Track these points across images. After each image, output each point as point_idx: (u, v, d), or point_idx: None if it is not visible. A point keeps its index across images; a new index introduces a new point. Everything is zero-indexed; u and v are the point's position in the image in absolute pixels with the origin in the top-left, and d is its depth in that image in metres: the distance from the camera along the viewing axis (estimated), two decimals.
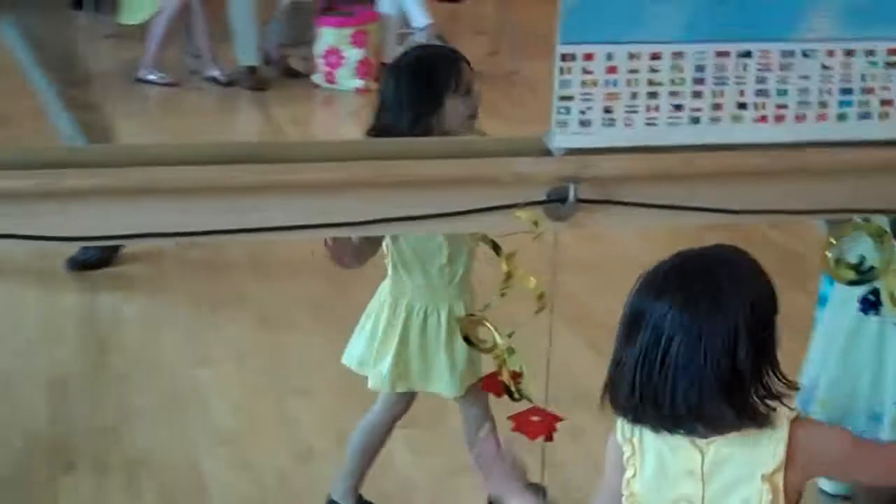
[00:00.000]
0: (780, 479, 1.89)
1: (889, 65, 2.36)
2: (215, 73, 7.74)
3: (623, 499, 2.03)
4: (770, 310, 1.92)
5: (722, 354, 1.87)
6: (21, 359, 4.28)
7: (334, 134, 7.28)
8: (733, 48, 2.32)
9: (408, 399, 3.23)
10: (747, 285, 1.91)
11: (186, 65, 7.96)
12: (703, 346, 1.88)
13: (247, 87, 7.69)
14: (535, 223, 2.27)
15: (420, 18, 7.82)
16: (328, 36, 7.70)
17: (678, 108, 2.34)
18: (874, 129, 2.39)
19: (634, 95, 2.32)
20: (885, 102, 2.38)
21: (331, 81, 7.73)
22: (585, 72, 2.29)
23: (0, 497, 3.50)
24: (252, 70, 7.74)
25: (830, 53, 2.33)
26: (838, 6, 2.30)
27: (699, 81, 2.33)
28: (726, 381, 1.87)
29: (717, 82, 2.33)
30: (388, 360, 3.11)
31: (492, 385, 2.55)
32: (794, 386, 1.94)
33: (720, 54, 2.32)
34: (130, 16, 7.93)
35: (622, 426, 2.04)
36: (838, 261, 2.53)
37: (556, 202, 2.31)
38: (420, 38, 7.90)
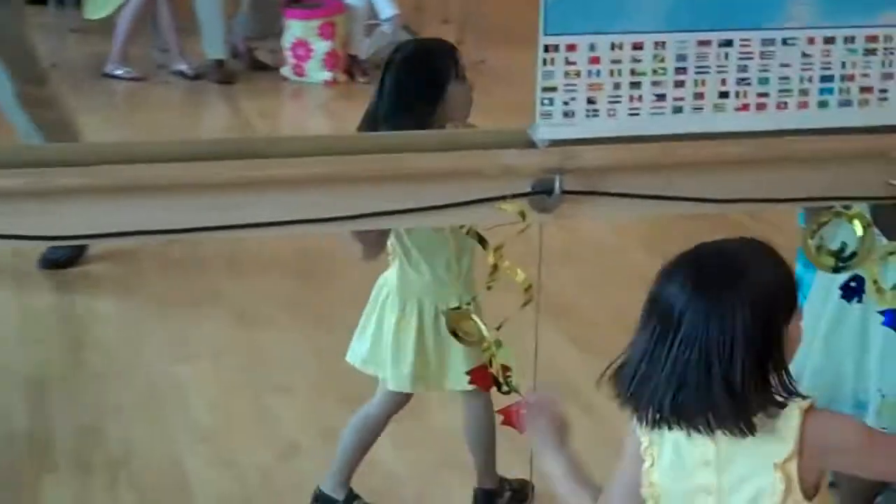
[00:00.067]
0: (793, 468, 1.90)
1: (868, 51, 2.37)
2: (182, 66, 7.70)
3: (642, 489, 2.03)
4: (780, 305, 1.90)
5: (729, 346, 1.87)
6: None
7: (304, 127, 7.25)
8: (714, 37, 2.33)
9: (407, 395, 3.23)
10: (759, 279, 1.91)
11: (153, 59, 7.91)
12: (711, 336, 1.88)
13: (214, 81, 7.65)
14: (522, 215, 2.27)
15: (386, 9, 7.80)
16: (296, 28, 7.67)
17: (661, 97, 2.35)
18: (854, 116, 2.40)
19: (617, 86, 2.33)
20: (864, 89, 2.40)
21: (299, 74, 7.70)
22: (568, 63, 2.30)
23: None
24: (219, 63, 7.70)
25: (811, 41, 2.35)
26: None
27: (681, 71, 2.34)
28: (731, 372, 1.87)
29: (698, 71, 2.34)
30: (409, 361, 3.10)
31: (480, 378, 2.55)
32: (794, 390, 1.93)
33: (701, 43, 2.33)
34: (95, 10, 7.85)
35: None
36: (819, 248, 2.54)
37: (542, 194, 2.31)
38: (386, 29, 7.89)
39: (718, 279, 1.91)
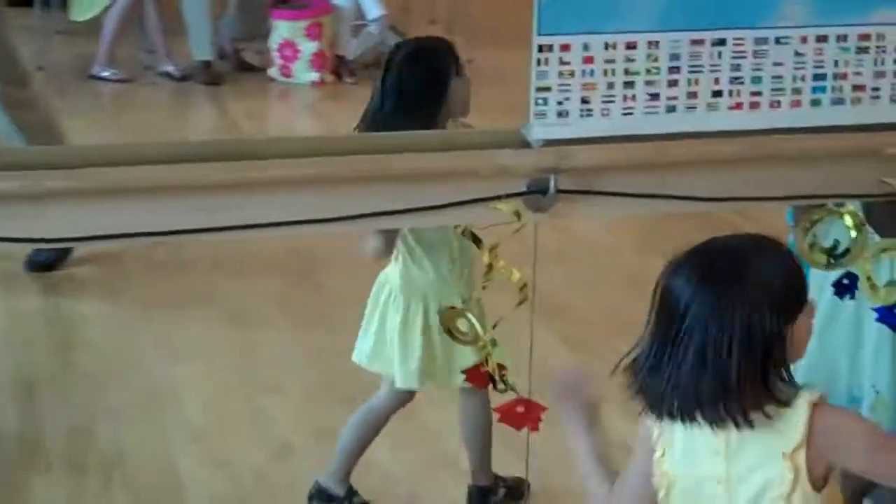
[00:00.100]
0: (801, 459, 1.91)
1: (860, 50, 2.39)
2: (169, 68, 7.69)
3: (654, 478, 2.05)
4: (786, 304, 1.91)
5: (727, 343, 1.88)
6: None
7: (291, 128, 7.26)
8: (707, 36, 2.34)
9: (412, 392, 3.25)
10: (765, 277, 1.92)
11: (140, 60, 7.90)
12: (710, 332, 1.90)
13: (201, 82, 7.65)
14: (517, 214, 2.28)
15: (374, 9, 7.80)
16: (282, 29, 7.67)
17: (654, 97, 2.36)
18: (847, 115, 2.42)
19: (611, 85, 2.34)
20: (857, 88, 2.41)
21: (286, 75, 7.70)
22: (562, 63, 2.30)
23: None
24: (206, 65, 7.69)
25: (803, 40, 2.36)
26: None
27: (674, 70, 2.35)
28: (726, 369, 1.88)
29: (692, 70, 2.35)
30: (416, 357, 3.12)
31: (475, 377, 2.56)
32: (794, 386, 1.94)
33: (695, 42, 2.34)
34: (81, 12, 7.84)
35: None
36: (812, 245, 2.55)
37: (537, 193, 2.32)
38: (374, 30, 7.90)
39: (723, 274, 1.92)
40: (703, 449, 1.97)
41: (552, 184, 2.30)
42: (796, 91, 2.39)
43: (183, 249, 5.02)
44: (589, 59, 2.31)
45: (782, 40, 2.35)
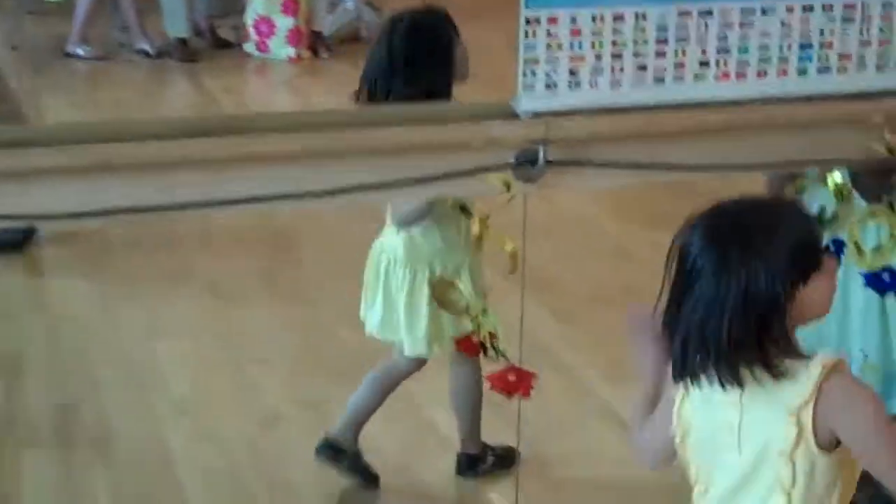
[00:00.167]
0: (807, 417, 1.94)
1: (846, 19, 2.42)
2: (144, 45, 7.65)
3: (672, 425, 2.08)
4: (791, 269, 1.93)
5: (720, 304, 1.92)
6: None
7: (269, 103, 7.23)
8: (694, 7, 2.37)
9: (424, 359, 3.29)
10: (771, 241, 1.93)
11: (114, 38, 7.85)
12: (706, 292, 1.93)
13: (177, 59, 7.61)
14: (507, 186, 2.31)
15: None
16: (258, 5, 7.64)
17: (642, 68, 2.39)
18: (833, 83, 2.45)
19: (599, 57, 2.37)
20: (842, 56, 2.45)
21: (263, 50, 7.67)
22: (550, 35, 2.33)
23: None
24: (182, 42, 7.65)
25: (789, 10, 2.39)
26: None
27: (662, 41, 2.38)
28: (718, 328, 1.92)
29: (679, 41, 2.38)
30: (423, 326, 3.13)
31: (466, 346, 2.58)
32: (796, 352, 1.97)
33: (682, 13, 2.37)
34: None
35: None
36: None
37: (526, 164, 2.34)
38: (350, 6, 7.89)
39: (729, 235, 1.95)
40: (720, 400, 2.00)
41: (541, 155, 2.33)
42: (783, 60, 2.42)
43: (166, 226, 5.01)
44: (576, 32, 2.34)
45: (768, 10, 2.38)
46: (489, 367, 2.57)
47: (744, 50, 2.39)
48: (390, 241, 3.18)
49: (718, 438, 2.03)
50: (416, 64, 2.98)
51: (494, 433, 3.40)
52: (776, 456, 1.97)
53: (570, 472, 3.49)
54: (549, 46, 2.33)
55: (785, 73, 2.42)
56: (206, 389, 3.92)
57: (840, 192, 2.53)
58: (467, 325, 2.94)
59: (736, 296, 1.91)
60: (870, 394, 1.99)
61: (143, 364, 4.07)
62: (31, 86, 6.85)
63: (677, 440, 2.07)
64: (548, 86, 2.36)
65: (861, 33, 2.42)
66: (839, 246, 2.71)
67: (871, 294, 2.66)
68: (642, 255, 4.68)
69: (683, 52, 2.38)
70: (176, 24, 7.64)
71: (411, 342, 3.18)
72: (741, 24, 2.38)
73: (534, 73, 2.34)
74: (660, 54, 2.38)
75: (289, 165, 2.28)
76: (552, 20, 2.32)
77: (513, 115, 2.36)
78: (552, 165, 2.36)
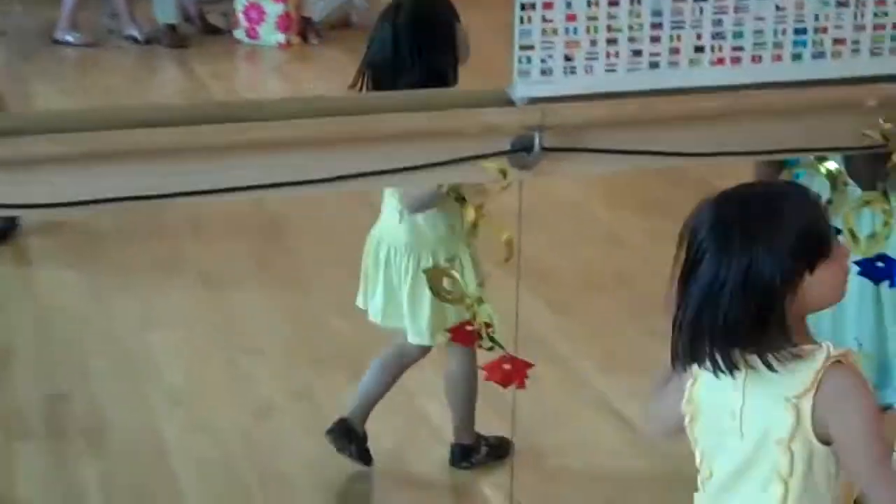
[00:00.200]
0: (806, 406, 1.93)
1: (840, 3, 2.40)
2: (133, 31, 7.62)
3: (684, 404, 2.08)
4: (793, 258, 1.92)
5: (717, 288, 1.92)
6: None
7: (259, 90, 7.21)
8: None
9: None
10: (773, 229, 1.93)
11: (103, 25, 7.83)
12: (705, 276, 1.94)
13: (167, 46, 7.58)
14: (503, 173, 2.29)
15: None
16: None
17: (637, 53, 2.37)
18: (828, 68, 2.43)
19: (594, 42, 2.34)
20: (837, 41, 2.43)
21: (252, 36, 7.64)
22: (545, 21, 2.31)
23: None
24: (171, 28, 7.63)
25: None
26: None
27: (657, 26, 2.35)
28: (714, 313, 1.93)
29: (674, 26, 2.36)
30: (425, 314, 3.13)
31: (461, 335, 2.57)
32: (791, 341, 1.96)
33: None
34: None
35: None
36: None
37: (521, 151, 2.32)
38: None
39: (734, 219, 1.95)
40: (725, 384, 2.00)
41: (537, 141, 2.31)
42: (777, 45, 2.41)
43: (158, 215, 4.99)
44: (572, 17, 2.31)
45: None
46: (484, 356, 2.55)
47: (738, 35, 2.37)
48: (391, 229, 3.16)
49: (723, 423, 2.04)
50: (426, 47, 3.00)
51: (488, 424, 3.40)
52: (774, 444, 1.97)
53: (565, 462, 3.49)
54: (544, 32, 2.31)
55: (780, 58, 2.40)
56: (199, 380, 3.90)
57: (834, 180, 2.51)
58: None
59: (735, 279, 1.92)
60: (866, 393, 1.97)
61: (135, 354, 4.06)
62: (20, 73, 6.83)
63: (687, 420, 2.08)
64: (543, 72, 2.33)
65: (855, 18, 2.41)
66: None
67: (866, 282, 2.65)
68: (634, 242, 4.68)
69: (678, 38, 2.36)
70: (165, 10, 7.62)
71: (415, 331, 3.17)
72: (736, 9, 2.36)
73: (529, 60, 2.32)
74: (655, 39, 2.36)
75: (286, 153, 2.25)
76: (547, 5, 2.30)
77: (508, 102, 2.34)
78: (548, 152, 2.34)
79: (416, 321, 3.16)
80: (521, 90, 2.33)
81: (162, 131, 2.21)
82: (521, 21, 2.29)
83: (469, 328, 2.50)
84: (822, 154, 2.51)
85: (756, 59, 2.40)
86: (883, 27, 2.45)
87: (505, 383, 2.45)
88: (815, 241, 1.94)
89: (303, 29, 7.68)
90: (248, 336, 4.15)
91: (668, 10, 2.35)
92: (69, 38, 7.53)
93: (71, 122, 2.24)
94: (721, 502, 2.08)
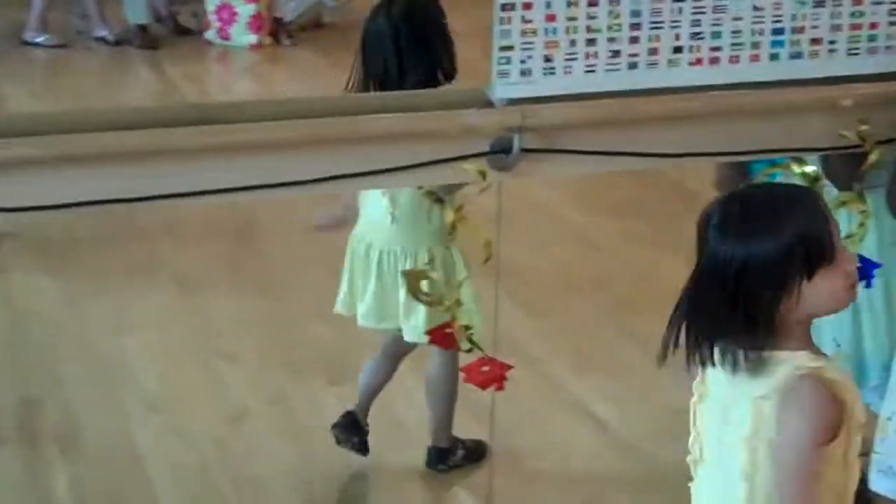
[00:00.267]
0: (767, 408, 1.95)
1: (817, 3, 2.41)
2: (104, 32, 7.58)
3: (696, 381, 2.10)
4: (789, 264, 1.92)
5: (714, 289, 1.94)
6: None
7: (231, 91, 7.18)
8: None
9: None
10: (773, 234, 1.92)
11: (73, 25, 7.78)
12: (702, 278, 1.97)
13: (137, 47, 7.54)
14: (483, 175, 2.28)
15: None
16: None
17: (616, 54, 2.36)
18: (805, 68, 2.44)
19: (573, 43, 2.34)
20: (814, 41, 2.43)
21: (224, 37, 7.61)
22: (525, 21, 2.30)
23: None
24: (142, 28, 7.59)
25: None
26: None
27: (636, 27, 2.35)
28: (711, 307, 1.96)
29: (653, 27, 2.36)
30: (420, 314, 3.11)
31: (440, 337, 2.55)
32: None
33: None
34: None
35: None
36: None
37: (501, 153, 2.32)
38: None
39: (735, 219, 1.96)
40: (719, 376, 2.03)
41: (516, 142, 2.31)
42: (755, 45, 2.41)
43: (131, 218, 4.96)
44: (551, 18, 2.31)
45: None
46: (463, 359, 2.54)
47: (717, 35, 2.37)
48: (382, 232, 3.14)
49: (713, 412, 2.06)
50: (426, 45, 3.00)
51: (464, 427, 3.38)
52: (739, 440, 1.99)
53: (541, 465, 3.48)
54: (524, 32, 2.30)
55: (757, 58, 2.41)
56: (173, 384, 3.87)
57: (811, 181, 2.52)
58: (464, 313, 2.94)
59: (727, 276, 1.93)
60: (821, 416, 1.94)
61: (109, 359, 4.02)
62: None
63: (695, 398, 2.10)
64: (522, 73, 2.33)
65: (832, 17, 2.41)
66: None
67: None
68: (610, 245, 4.67)
69: (657, 38, 2.36)
70: (136, 11, 7.58)
71: (409, 330, 3.16)
72: (714, 9, 2.36)
73: (508, 61, 2.31)
74: (633, 40, 2.36)
75: (264, 155, 2.24)
76: (527, 6, 2.29)
77: (487, 104, 2.33)
78: (527, 154, 2.33)
79: (410, 321, 3.15)
80: (501, 91, 2.32)
81: (134, 134, 2.18)
82: (501, 21, 2.29)
83: (448, 330, 2.49)
84: (798, 154, 2.51)
85: (734, 59, 2.41)
86: (859, 27, 2.46)
87: (484, 385, 2.44)
88: (813, 247, 1.93)
89: (274, 29, 7.65)
90: (223, 340, 4.12)
91: (647, 11, 2.35)
92: (39, 40, 7.48)
93: (42, 125, 2.21)
94: (700, 490, 2.12)
